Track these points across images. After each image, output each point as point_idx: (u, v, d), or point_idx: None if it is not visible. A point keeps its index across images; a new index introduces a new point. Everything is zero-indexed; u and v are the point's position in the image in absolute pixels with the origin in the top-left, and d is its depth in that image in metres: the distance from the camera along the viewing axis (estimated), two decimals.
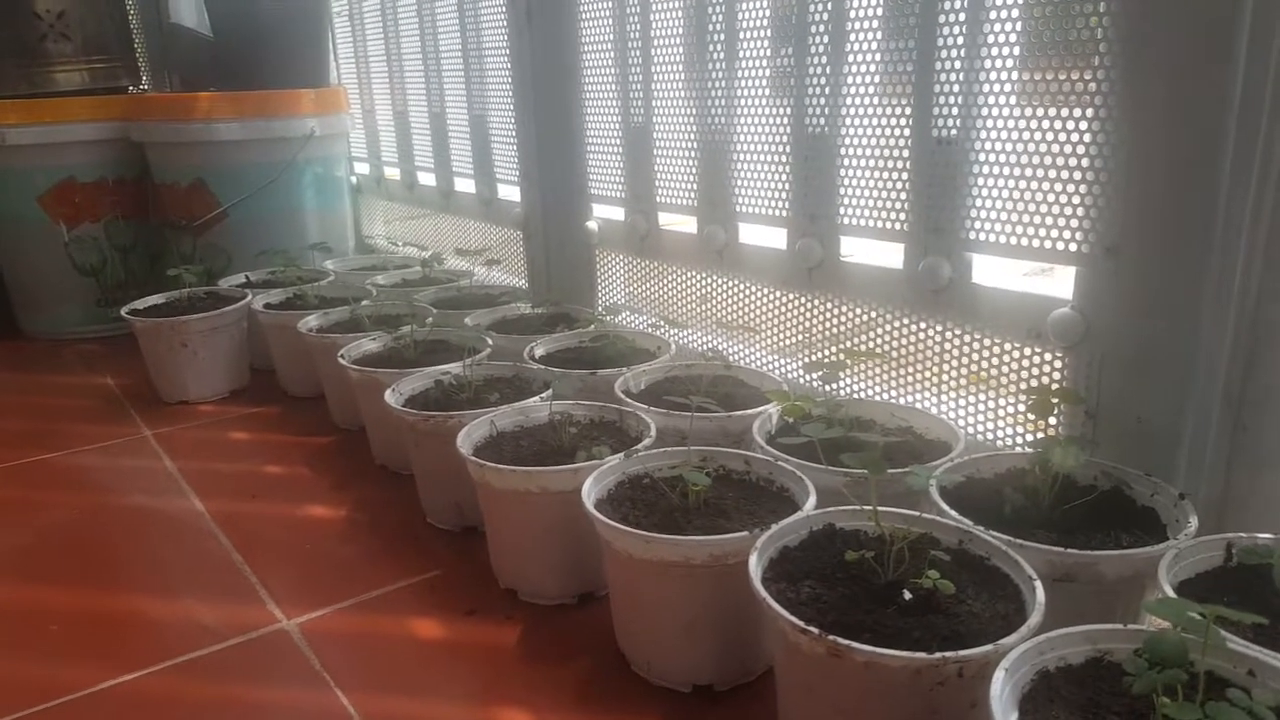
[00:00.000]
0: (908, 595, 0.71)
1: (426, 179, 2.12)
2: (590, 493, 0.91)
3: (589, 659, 0.93)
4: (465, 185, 1.98)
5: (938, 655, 0.62)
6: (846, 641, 0.63)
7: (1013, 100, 0.93)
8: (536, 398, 1.16)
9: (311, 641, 0.97)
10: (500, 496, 1.00)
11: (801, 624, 0.66)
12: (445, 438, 1.08)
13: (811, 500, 0.86)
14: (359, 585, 1.08)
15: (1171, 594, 0.68)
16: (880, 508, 0.80)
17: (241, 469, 1.43)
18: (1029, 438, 0.99)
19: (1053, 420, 0.95)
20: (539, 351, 1.38)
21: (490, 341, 1.40)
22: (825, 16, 1.11)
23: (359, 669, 0.93)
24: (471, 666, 0.93)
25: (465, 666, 0.93)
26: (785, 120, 1.19)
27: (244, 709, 0.87)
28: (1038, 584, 0.69)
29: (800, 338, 1.26)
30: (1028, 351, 0.97)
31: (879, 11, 1.05)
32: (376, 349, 1.44)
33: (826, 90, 1.12)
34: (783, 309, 1.28)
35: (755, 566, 0.75)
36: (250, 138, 2.00)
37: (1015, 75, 0.93)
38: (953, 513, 0.80)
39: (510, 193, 1.81)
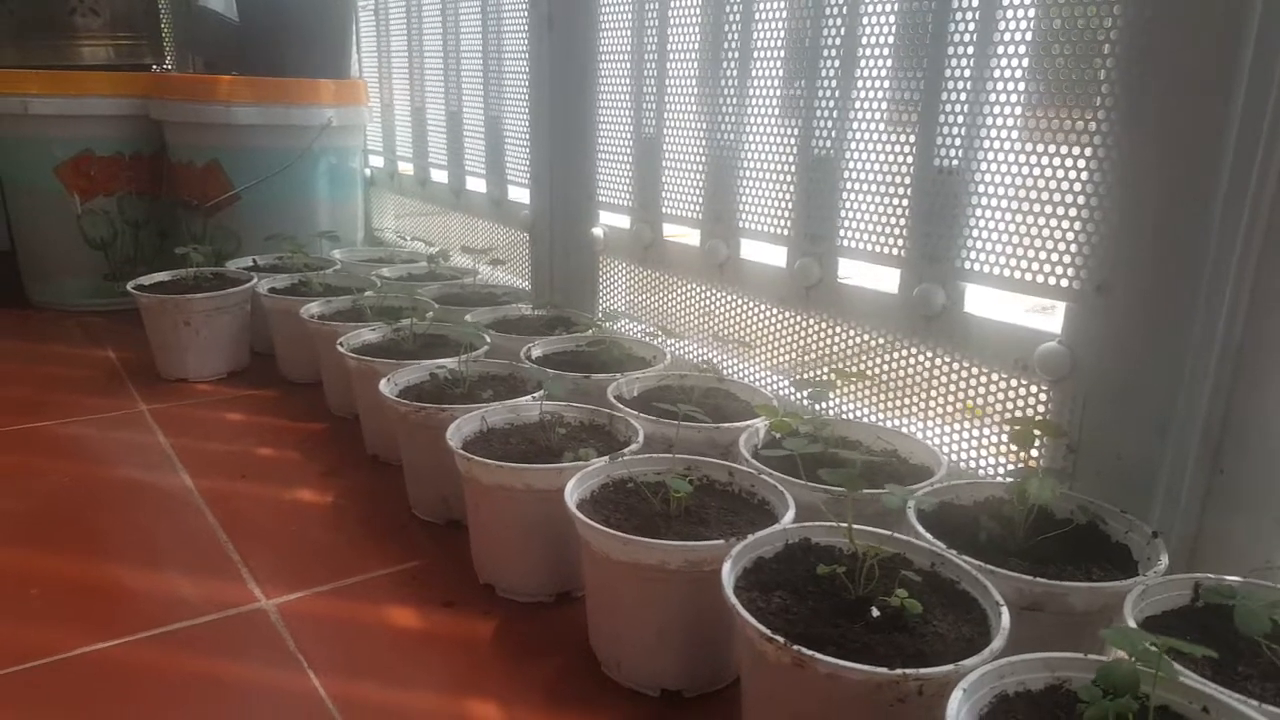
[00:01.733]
0: (875, 612, 0.71)
1: (439, 176, 2.14)
2: (573, 493, 0.92)
3: (561, 657, 0.94)
4: (476, 185, 2.00)
5: (898, 672, 0.63)
6: (810, 652, 0.64)
7: (1014, 135, 0.95)
8: (529, 397, 1.18)
9: (288, 622, 0.98)
10: (485, 491, 1.02)
11: (768, 632, 0.67)
12: (436, 430, 1.10)
13: (790, 514, 0.87)
14: (339, 570, 1.09)
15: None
16: (858, 526, 0.81)
17: (234, 449, 1.44)
18: (1010, 468, 1.00)
19: (1034, 452, 0.97)
20: (536, 353, 1.39)
21: (489, 339, 1.41)
22: (838, 42, 1.12)
23: (333, 652, 0.94)
24: (444, 657, 0.94)
25: (438, 657, 0.94)
26: (792, 141, 1.21)
27: (216, 684, 0.88)
28: (1004, 609, 0.70)
29: (794, 355, 1.27)
30: (1014, 383, 0.98)
31: (890, 40, 1.07)
32: (376, 339, 1.46)
33: (834, 114, 1.14)
34: (779, 326, 1.29)
35: (729, 574, 0.76)
36: (268, 123, 2.03)
37: (1018, 110, 0.95)
38: (927, 535, 0.81)
39: (520, 195, 1.82)
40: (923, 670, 0.63)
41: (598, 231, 1.61)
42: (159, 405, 1.62)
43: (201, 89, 2.02)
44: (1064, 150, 0.90)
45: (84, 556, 1.11)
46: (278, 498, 1.28)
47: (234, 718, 0.84)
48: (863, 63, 1.10)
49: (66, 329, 2.11)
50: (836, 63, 1.13)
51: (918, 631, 0.70)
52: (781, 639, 0.66)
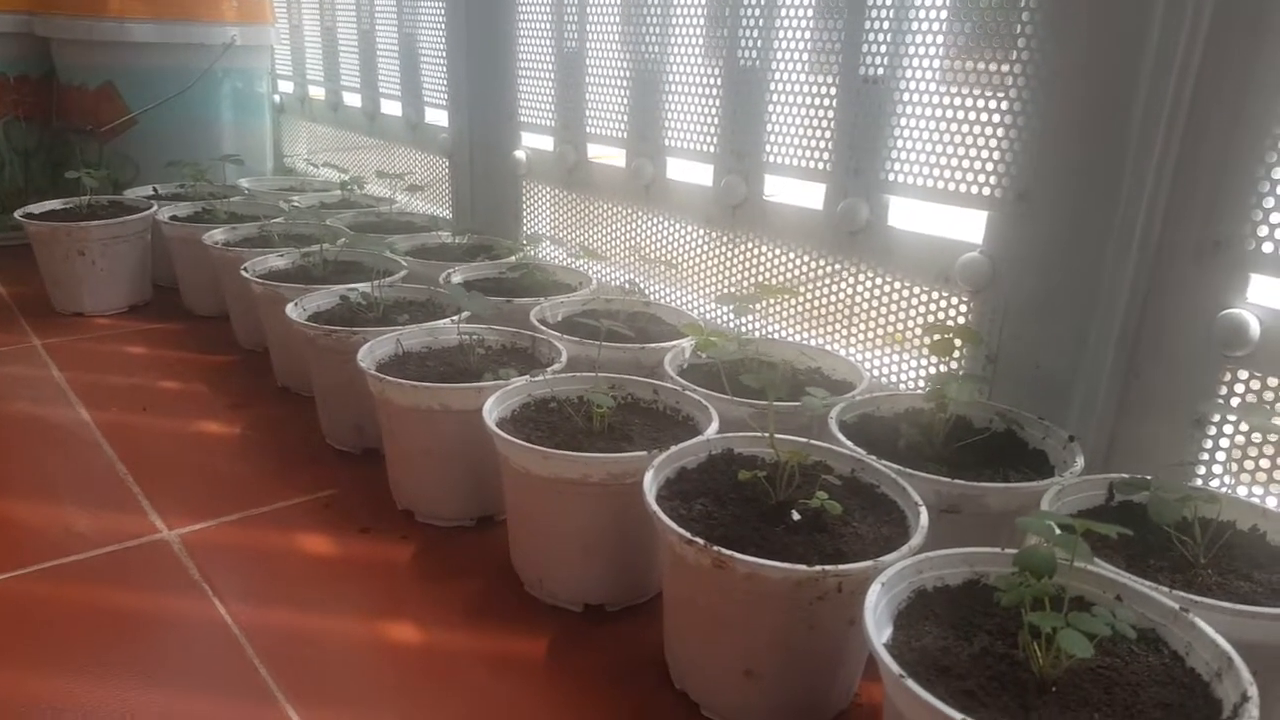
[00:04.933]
0: (796, 515, 0.71)
1: (352, 100, 2.05)
2: (492, 411, 0.89)
3: (482, 579, 0.92)
4: (392, 108, 1.91)
5: (817, 568, 0.62)
6: (730, 552, 0.63)
7: (939, 40, 0.93)
8: (447, 320, 1.13)
9: (192, 552, 0.94)
10: (400, 414, 0.98)
11: (688, 535, 0.65)
12: (347, 355, 1.04)
13: (714, 426, 0.86)
14: (248, 501, 1.04)
15: None
16: (782, 436, 0.80)
17: (134, 383, 1.37)
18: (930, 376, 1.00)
19: (954, 364, 0.97)
20: (456, 279, 1.34)
21: (406, 265, 1.36)
22: None
23: (239, 580, 0.90)
24: (359, 583, 0.90)
25: (352, 582, 0.90)
26: (719, 52, 1.17)
27: (113, 614, 0.84)
28: (922, 509, 0.70)
29: (720, 275, 1.25)
30: (935, 295, 0.98)
31: None
32: (284, 265, 1.39)
33: (760, 21, 1.11)
34: (706, 246, 1.27)
35: (650, 483, 0.74)
36: (165, 41, 1.90)
37: (944, 15, 0.93)
38: (848, 442, 0.80)
39: (438, 117, 1.75)
40: (841, 567, 0.62)
41: (520, 154, 1.56)
42: (53, 340, 1.52)
43: (91, 3, 1.88)
44: (988, 55, 0.89)
45: None
46: (182, 430, 1.22)
47: (132, 647, 0.79)
48: None
49: None
50: None
51: (837, 532, 0.70)
52: (701, 541, 0.64)
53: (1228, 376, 0.78)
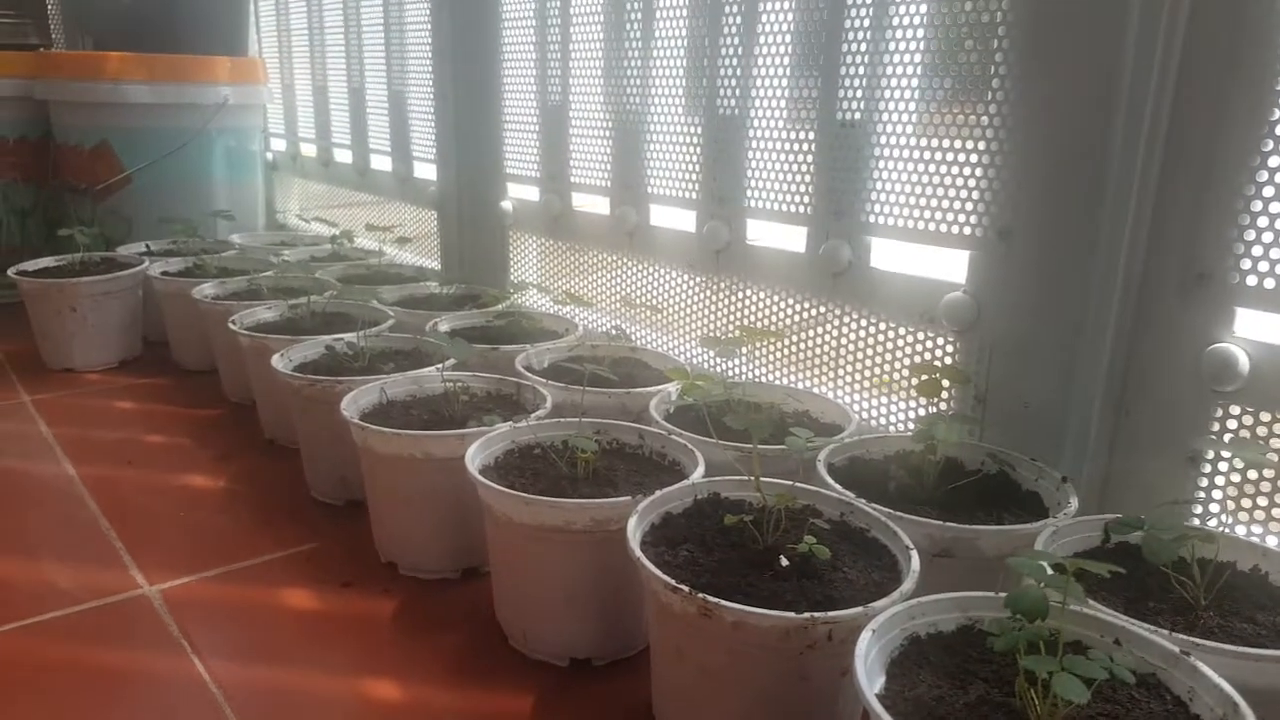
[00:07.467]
0: (784, 561, 0.69)
1: (343, 156, 2.07)
2: (475, 458, 0.88)
3: (467, 632, 0.89)
4: (381, 163, 1.93)
5: (806, 616, 0.60)
6: (716, 600, 0.61)
7: (915, 84, 0.94)
8: (432, 368, 1.12)
9: (172, 608, 0.92)
10: (383, 463, 0.96)
11: (673, 583, 0.63)
12: (331, 405, 1.03)
13: (700, 470, 0.84)
14: (229, 555, 1.02)
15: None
16: (770, 480, 0.78)
17: (121, 437, 1.35)
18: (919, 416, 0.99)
19: (943, 405, 0.96)
20: (443, 328, 1.34)
21: (393, 315, 1.35)
22: None
23: (219, 637, 0.87)
24: (341, 638, 0.88)
25: (334, 638, 0.88)
26: (699, 101, 1.18)
27: (90, 673, 0.81)
28: (913, 553, 0.68)
29: (705, 320, 1.25)
30: (921, 336, 0.97)
31: None
32: (272, 318, 1.38)
33: (738, 71, 1.12)
34: (690, 291, 1.27)
35: (634, 529, 0.72)
36: (160, 102, 1.93)
37: (918, 59, 0.93)
38: (836, 485, 0.79)
39: (427, 171, 1.76)
40: (831, 614, 0.61)
41: (506, 205, 1.56)
42: (43, 396, 1.51)
43: (89, 66, 1.91)
44: (964, 96, 0.89)
45: None
46: (166, 484, 1.20)
47: (109, 706, 0.77)
48: (764, 18, 1.08)
49: None
50: (739, 16, 1.10)
51: (826, 578, 0.68)
52: (687, 589, 0.63)
53: (1219, 412, 0.76)
